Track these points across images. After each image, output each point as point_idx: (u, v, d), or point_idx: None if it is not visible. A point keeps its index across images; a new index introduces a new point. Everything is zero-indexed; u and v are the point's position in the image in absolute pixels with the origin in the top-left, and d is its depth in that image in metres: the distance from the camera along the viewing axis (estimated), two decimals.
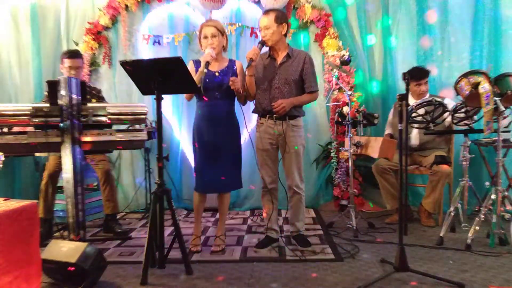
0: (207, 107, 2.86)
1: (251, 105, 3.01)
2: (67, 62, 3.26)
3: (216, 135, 2.84)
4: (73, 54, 3.33)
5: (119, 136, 2.59)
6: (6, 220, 1.81)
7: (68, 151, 2.46)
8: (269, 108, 2.81)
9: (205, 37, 2.81)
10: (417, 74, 3.49)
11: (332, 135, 4.12)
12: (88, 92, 3.46)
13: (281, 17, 2.80)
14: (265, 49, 2.89)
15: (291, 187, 2.90)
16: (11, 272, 1.82)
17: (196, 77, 2.71)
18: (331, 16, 4.07)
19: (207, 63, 2.69)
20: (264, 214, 3.02)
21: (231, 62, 2.94)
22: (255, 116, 4.16)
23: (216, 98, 2.83)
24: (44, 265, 2.09)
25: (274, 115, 2.83)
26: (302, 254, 2.78)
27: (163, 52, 4.17)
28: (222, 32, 2.85)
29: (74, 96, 2.47)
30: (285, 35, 2.86)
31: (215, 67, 2.85)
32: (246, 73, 2.80)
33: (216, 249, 2.88)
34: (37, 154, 2.93)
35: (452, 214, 3.04)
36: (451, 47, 3.95)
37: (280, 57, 2.85)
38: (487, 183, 3.04)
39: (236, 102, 2.97)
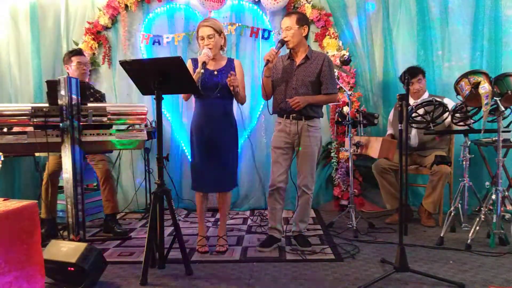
0: (205, 106, 2.85)
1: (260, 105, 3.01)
2: (75, 59, 3.33)
3: (214, 134, 2.83)
4: (79, 51, 3.44)
5: (119, 136, 2.59)
6: (6, 220, 1.81)
7: (68, 151, 2.45)
8: (285, 107, 2.83)
9: (202, 38, 2.80)
10: (413, 71, 3.50)
11: (332, 135, 4.12)
12: (92, 93, 3.47)
13: (303, 19, 2.84)
14: (286, 50, 2.92)
15: (300, 187, 2.91)
16: (11, 272, 1.82)
17: (193, 77, 2.70)
18: (331, 16, 4.07)
19: (204, 63, 2.69)
20: (269, 213, 3.01)
21: (229, 61, 2.93)
22: (255, 117, 4.21)
23: (215, 97, 2.82)
24: (44, 265, 2.08)
25: (291, 114, 2.84)
26: (302, 254, 2.78)
27: (163, 52, 4.17)
28: (219, 32, 2.83)
29: (73, 96, 2.47)
30: (306, 37, 2.89)
31: (213, 66, 2.84)
32: (263, 73, 2.82)
33: (220, 249, 2.88)
34: (37, 154, 2.93)
35: (452, 214, 3.04)
36: (451, 47, 3.95)
37: (299, 58, 2.87)
38: (487, 183, 3.04)
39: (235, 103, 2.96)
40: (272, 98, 2.99)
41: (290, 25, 2.79)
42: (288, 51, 2.94)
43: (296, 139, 2.87)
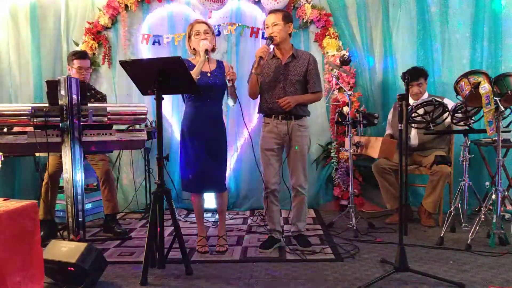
0: (198, 108, 2.84)
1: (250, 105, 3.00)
2: (77, 62, 3.29)
3: (208, 135, 2.82)
4: (83, 55, 3.38)
5: (119, 136, 2.59)
6: (6, 220, 1.81)
7: (68, 151, 2.46)
8: (275, 107, 2.82)
9: (197, 34, 2.80)
10: (416, 74, 3.48)
11: (332, 135, 4.12)
12: (93, 94, 3.47)
13: (288, 16, 2.84)
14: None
15: (295, 187, 2.90)
16: (16, 273, 1.82)
17: (196, 68, 2.70)
18: (331, 16, 4.07)
19: (207, 51, 2.70)
20: (267, 216, 3.01)
21: (219, 63, 2.93)
22: (255, 116, 4.21)
23: (208, 99, 2.82)
24: (44, 265, 2.09)
25: (280, 114, 2.83)
26: (302, 254, 2.78)
27: (163, 52, 4.16)
28: (213, 32, 2.87)
29: (74, 96, 2.47)
30: (290, 35, 2.88)
31: (206, 68, 2.82)
32: (253, 71, 2.79)
33: (220, 249, 2.88)
34: (37, 154, 2.94)
35: (452, 214, 3.03)
36: (451, 47, 3.95)
37: (285, 57, 2.86)
38: (487, 183, 3.04)
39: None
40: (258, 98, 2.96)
41: (276, 21, 2.77)
42: (271, 49, 2.89)
43: (287, 139, 2.86)
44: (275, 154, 2.90)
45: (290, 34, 2.88)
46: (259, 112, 2.99)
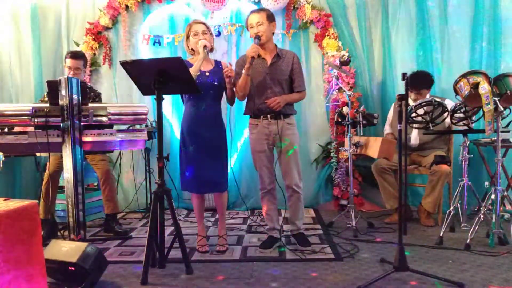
0: (198, 107, 2.84)
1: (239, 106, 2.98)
2: (67, 62, 3.34)
3: (208, 134, 2.83)
4: (74, 55, 3.38)
5: (120, 136, 2.60)
6: (7, 220, 1.81)
7: (69, 151, 2.46)
8: (264, 107, 2.82)
9: (196, 34, 2.80)
10: (419, 84, 3.44)
11: (332, 135, 4.13)
12: (87, 93, 3.47)
13: (271, 16, 2.84)
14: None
15: (290, 186, 2.90)
16: (10, 272, 1.82)
17: (195, 65, 2.71)
18: (331, 16, 4.08)
19: (205, 47, 2.71)
20: (265, 215, 3.02)
21: (217, 63, 2.94)
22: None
23: (207, 98, 2.82)
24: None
25: (269, 114, 2.84)
26: (302, 254, 2.79)
27: (164, 53, 4.17)
28: (210, 32, 2.88)
29: (74, 96, 2.48)
30: (273, 34, 2.88)
31: (205, 67, 2.83)
32: (244, 71, 2.76)
33: (221, 249, 2.89)
34: (37, 154, 2.95)
35: (452, 213, 3.04)
36: (451, 47, 3.95)
37: (270, 57, 2.86)
38: (486, 183, 3.05)
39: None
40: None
41: (261, 20, 2.76)
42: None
43: (278, 139, 2.86)
44: (268, 155, 2.92)
45: (273, 34, 2.87)
46: (245, 113, 2.99)
